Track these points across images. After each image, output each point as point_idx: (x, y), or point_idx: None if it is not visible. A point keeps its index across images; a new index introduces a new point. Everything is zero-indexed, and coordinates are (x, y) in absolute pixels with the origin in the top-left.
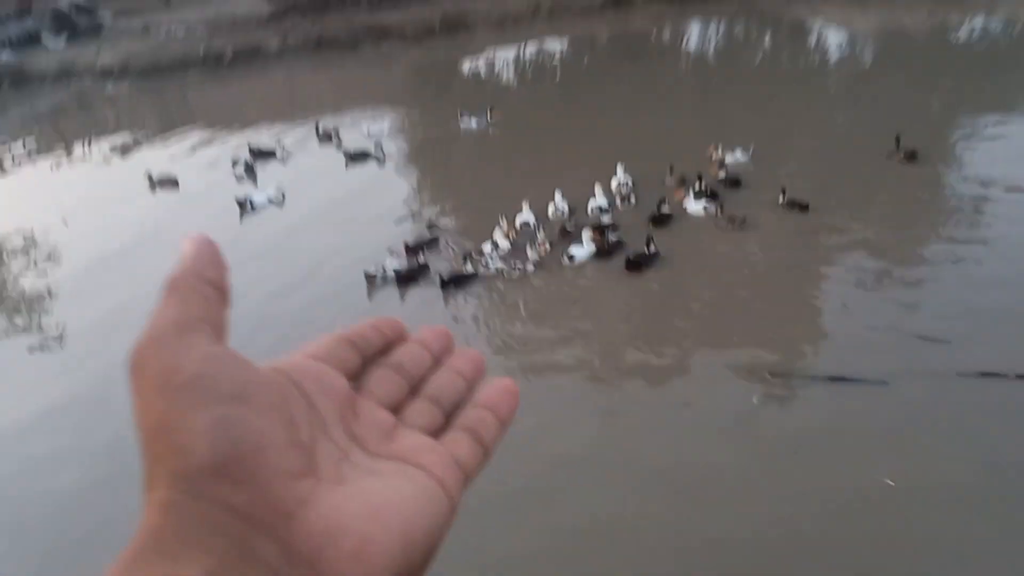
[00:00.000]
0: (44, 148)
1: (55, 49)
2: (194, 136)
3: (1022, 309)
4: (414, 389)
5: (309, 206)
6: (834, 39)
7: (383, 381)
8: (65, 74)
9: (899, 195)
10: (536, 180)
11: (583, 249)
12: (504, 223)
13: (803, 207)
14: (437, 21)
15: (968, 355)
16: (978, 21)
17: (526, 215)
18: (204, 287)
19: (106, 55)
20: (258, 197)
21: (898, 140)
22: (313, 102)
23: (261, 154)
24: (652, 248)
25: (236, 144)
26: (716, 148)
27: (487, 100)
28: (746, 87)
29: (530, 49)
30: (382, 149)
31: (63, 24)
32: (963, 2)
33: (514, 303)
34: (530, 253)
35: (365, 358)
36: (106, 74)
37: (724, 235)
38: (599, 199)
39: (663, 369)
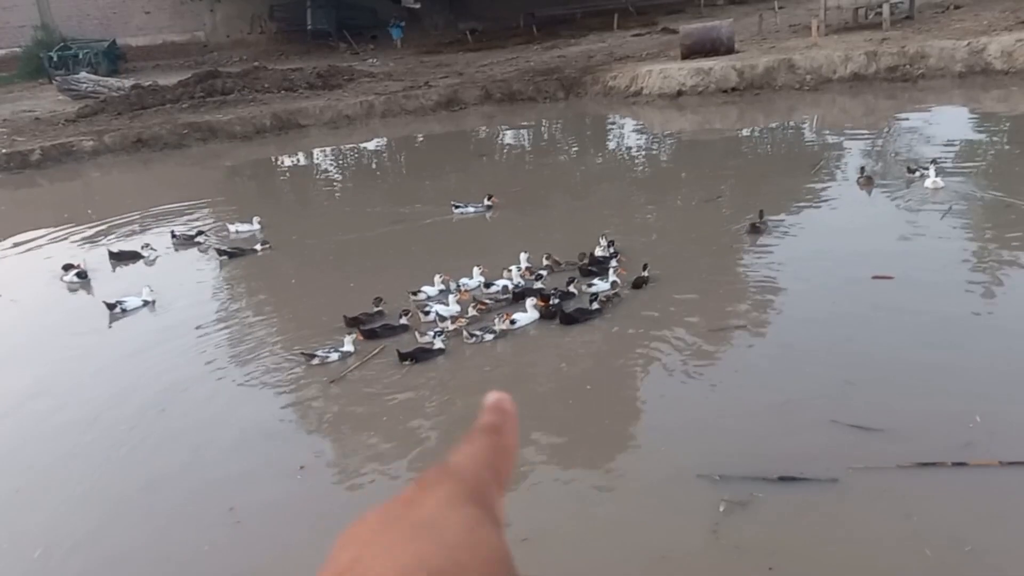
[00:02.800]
0: None
1: None
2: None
3: (930, 389)
4: None
5: (188, 306)
6: (658, 138)
7: None
8: None
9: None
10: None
11: (527, 315)
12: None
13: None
14: (268, 120)
15: (900, 442)
16: (778, 122)
17: (436, 288)
18: None
19: None
20: (130, 300)
21: (761, 213)
22: (144, 201)
23: (122, 256)
24: (594, 305)
25: (55, 249)
26: (603, 236)
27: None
28: (594, 181)
29: (369, 145)
30: (261, 244)
31: None
32: (767, 108)
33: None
34: (497, 323)
35: None
36: None
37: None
38: (515, 278)
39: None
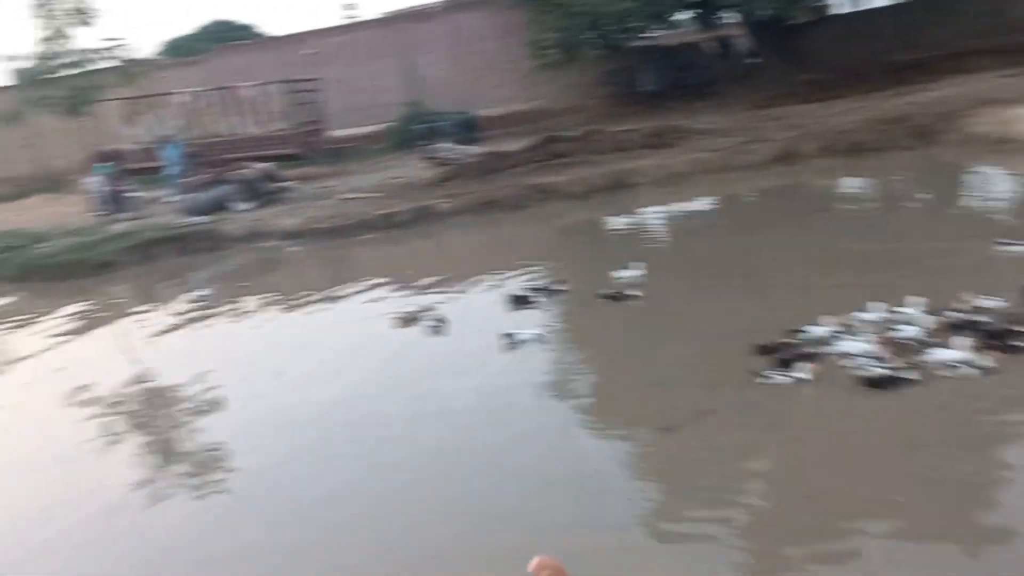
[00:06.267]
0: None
1: (243, 213)
2: (384, 289)
3: None
4: None
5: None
6: None
7: None
8: (253, 236)
9: None
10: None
11: (946, 352)
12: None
13: None
14: (600, 180)
15: None
16: None
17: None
18: None
19: (289, 219)
20: (524, 333)
21: None
22: (496, 258)
23: (518, 299)
24: None
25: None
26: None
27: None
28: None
29: (710, 201)
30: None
31: (251, 192)
32: None
33: None
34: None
35: None
36: (290, 236)
37: None
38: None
39: None
